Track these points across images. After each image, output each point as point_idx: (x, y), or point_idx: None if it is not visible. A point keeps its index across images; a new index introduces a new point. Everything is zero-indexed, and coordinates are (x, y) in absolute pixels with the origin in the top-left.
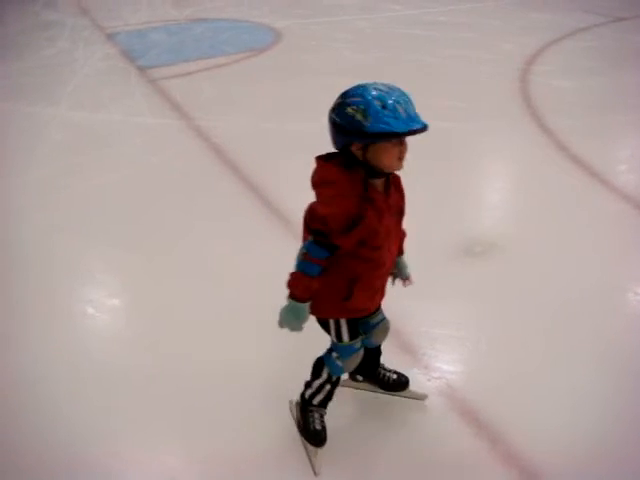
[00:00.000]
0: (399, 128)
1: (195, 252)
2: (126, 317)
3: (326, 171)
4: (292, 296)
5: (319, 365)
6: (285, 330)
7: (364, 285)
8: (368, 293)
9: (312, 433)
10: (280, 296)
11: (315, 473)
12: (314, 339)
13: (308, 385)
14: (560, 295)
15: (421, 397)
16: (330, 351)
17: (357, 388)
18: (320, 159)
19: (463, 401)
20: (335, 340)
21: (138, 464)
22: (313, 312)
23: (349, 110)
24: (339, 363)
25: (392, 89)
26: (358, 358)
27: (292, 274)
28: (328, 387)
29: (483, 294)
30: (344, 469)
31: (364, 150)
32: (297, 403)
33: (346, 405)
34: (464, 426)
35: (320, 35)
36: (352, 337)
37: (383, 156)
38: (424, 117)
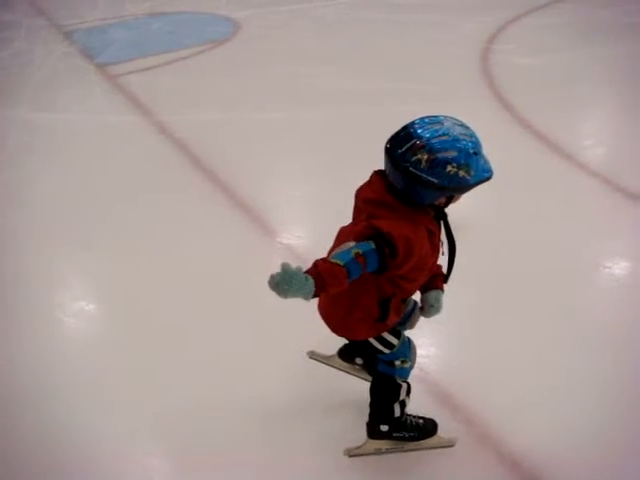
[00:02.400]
0: (490, 170)
1: (162, 251)
2: (94, 320)
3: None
4: (319, 282)
5: (390, 382)
6: (262, 332)
7: (395, 306)
8: (399, 309)
9: (426, 427)
10: (252, 294)
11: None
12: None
13: (389, 405)
14: (530, 273)
15: None
16: (391, 363)
17: (352, 374)
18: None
19: (437, 384)
20: (387, 351)
21: (114, 467)
22: (349, 336)
23: (450, 169)
24: (407, 365)
25: (463, 126)
26: (415, 349)
27: (334, 265)
28: (409, 390)
29: (453, 275)
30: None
31: (449, 198)
32: (384, 432)
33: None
34: (439, 409)
35: (280, 24)
36: (397, 336)
37: (458, 198)
38: (390, 101)
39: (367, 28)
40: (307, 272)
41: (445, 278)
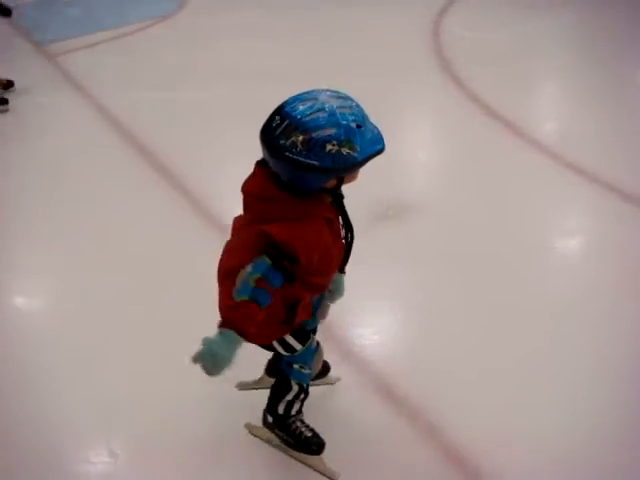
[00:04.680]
0: (381, 141)
1: (103, 239)
2: (44, 312)
3: (295, 208)
4: (236, 329)
5: (285, 380)
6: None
7: (305, 306)
8: (309, 309)
9: (307, 442)
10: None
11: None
12: None
13: (277, 400)
14: (480, 252)
15: (333, 381)
16: (289, 364)
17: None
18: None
19: (379, 375)
20: (287, 354)
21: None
22: (253, 341)
23: (331, 147)
24: (305, 371)
25: (342, 97)
26: (321, 355)
27: (238, 303)
28: (302, 396)
29: (398, 259)
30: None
31: (341, 179)
32: (269, 423)
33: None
34: (380, 401)
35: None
36: (303, 342)
37: (354, 176)
38: (340, 77)
39: (314, 4)
40: (221, 327)
41: (342, 265)
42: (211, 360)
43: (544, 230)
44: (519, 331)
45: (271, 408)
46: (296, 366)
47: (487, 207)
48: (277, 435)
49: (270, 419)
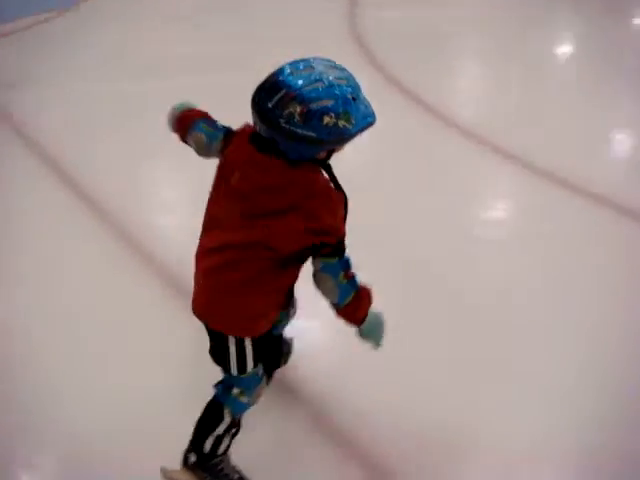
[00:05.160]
0: (373, 114)
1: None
2: None
3: (316, 179)
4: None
5: (217, 409)
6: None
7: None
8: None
9: None
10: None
11: None
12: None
13: (205, 435)
14: (402, 241)
15: None
16: (228, 389)
17: None
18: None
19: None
20: (236, 372)
21: None
22: (244, 334)
23: (328, 120)
24: (244, 400)
25: (337, 68)
26: (263, 390)
27: (352, 302)
28: (233, 430)
29: None
30: None
31: (331, 151)
32: (191, 464)
33: None
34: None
35: None
36: (256, 363)
37: (342, 148)
38: (259, 68)
39: None
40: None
41: None
42: (380, 329)
43: (466, 217)
44: (445, 320)
45: (196, 444)
46: (235, 391)
47: (408, 196)
48: (199, 477)
49: (193, 458)
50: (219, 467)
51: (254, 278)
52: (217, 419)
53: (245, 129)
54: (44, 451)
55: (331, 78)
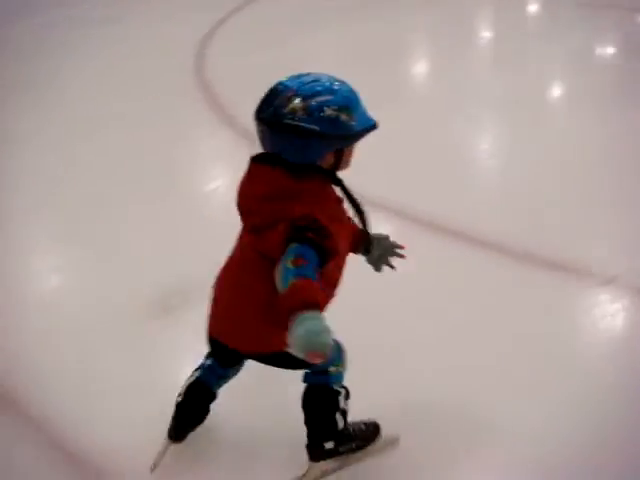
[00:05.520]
0: (375, 119)
1: None
2: None
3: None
4: (309, 305)
5: (326, 391)
6: None
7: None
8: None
9: (369, 430)
10: None
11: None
12: None
13: (331, 418)
14: None
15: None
16: (324, 372)
17: None
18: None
19: None
20: (334, 366)
21: None
22: (264, 349)
23: (330, 112)
24: (341, 369)
25: (333, 77)
26: (341, 343)
27: (294, 285)
28: (349, 396)
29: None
30: None
31: (338, 156)
32: (330, 450)
33: None
34: None
35: None
36: None
37: (351, 156)
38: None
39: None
40: (294, 316)
41: (367, 242)
42: (315, 340)
43: None
44: None
45: (327, 432)
46: (332, 369)
47: None
48: (342, 453)
49: (330, 444)
50: (351, 431)
51: (272, 292)
52: (334, 398)
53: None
54: None
55: (328, 79)
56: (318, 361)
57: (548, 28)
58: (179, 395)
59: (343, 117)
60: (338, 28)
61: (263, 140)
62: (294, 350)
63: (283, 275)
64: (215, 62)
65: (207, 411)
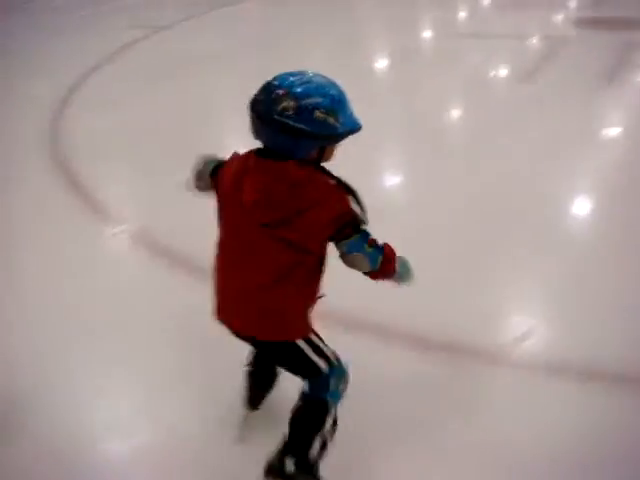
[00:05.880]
0: (360, 123)
1: None
2: None
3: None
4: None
5: (320, 406)
6: None
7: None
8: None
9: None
10: None
11: None
12: None
13: (310, 439)
14: None
15: None
16: (325, 384)
17: None
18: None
19: None
20: (323, 365)
21: None
22: (282, 337)
23: (318, 114)
24: (342, 387)
25: (325, 78)
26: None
27: (384, 258)
28: (335, 426)
29: None
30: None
31: (321, 152)
32: (290, 474)
33: None
34: None
35: None
36: (326, 354)
37: (333, 152)
38: None
39: None
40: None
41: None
42: (409, 271)
43: None
44: None
45: (300, 451)
46: (333, 381)
47: None
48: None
49: (290, 467)
50: (318, 472)
51: (291, 283)
52: (323, 414)
53: (233, 156)
54: None
55: (321, 80)
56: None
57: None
58: (248, 364)
59: (331, 120)
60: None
61: (257, 132)
62: (399, 282)
63: (371, 259)
64: (70, 125)
65: (276, 374)
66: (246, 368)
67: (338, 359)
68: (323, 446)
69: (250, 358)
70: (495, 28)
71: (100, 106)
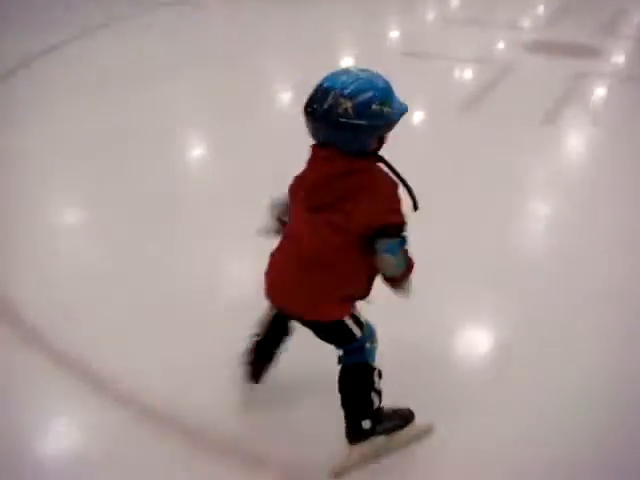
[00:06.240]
0: (405, 103)
1: None
2: None
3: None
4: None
5: (363, 368)
6: None
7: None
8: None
9: (402, 415)
10: None
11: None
12: None
13: (367, 397)
14: None
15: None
16: (360, 348)
17: None
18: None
19: None
20: (359, 333)
21: None
22: (323, 318)
23: (375, 108)
24: (375, 345)
25: (365, 69)
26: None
27: (407, 268)
28: (381, 376)
29: None
30: None
31: (380, 141)
32: (367, 430)
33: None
34: None
35: None
36: (361, 322)
37: (387, 139)
38: None
39: None
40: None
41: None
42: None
43: None
44: None
45: (365, 410)
46: (368, 345)
47: None
48: (379, 433)
49: (367, 423)
50: (385, 412)
51: (342, 266)
52: (369, 376)
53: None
54: None
55: (367, 75)
56: (405, 285)
57: None
58: (256, 335)
59: (386, 110)
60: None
61: (316, 133)
62: (403, 293)
63: (398, 265)
64: None
65: (280, 349)
66: (253, 339)
67: (366, 321)
68: (379, 395)
69: (260, 330)
70: (440, 48)
71: None
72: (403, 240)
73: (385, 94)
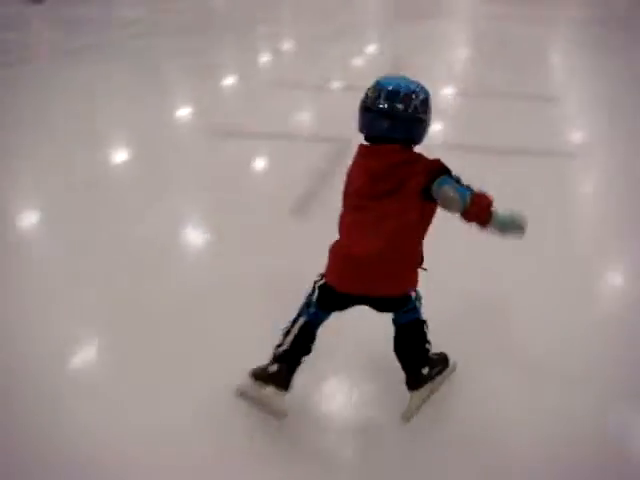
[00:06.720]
0: None
1: None
2: None
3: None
4: (492, 204)
5: (416, 325)
6: None
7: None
8: None
9: (443, 359)
10: None
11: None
12: None
13: (423, 346)
14: None
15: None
16: (414, 307)
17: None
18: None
19: None
20: (414, 295)
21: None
22: (400, 290)
23: (429, 104)
24: (422, 302)
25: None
26: None
27: (476, 195)
28: (427, 327)
29: None
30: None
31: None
32: (426, 375)
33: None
34: None
35: None
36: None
37: None
38: None
39: None
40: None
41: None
42: (512, 222)
43: None
44: None
45: (423, 359)
46: (418, 303)
47: None
48: (434, 376)
49: (425, 369)
50: (434, 357)
51: (403, 246)
52: (421, 329)
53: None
54: None
55: (410, 79)
56: (521, 236)
57: None
58: (288, 343)
59: (431, 106)
60: None
61: (372, 126)
62: (503, 232)
63: (460, 193)
64: None
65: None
66: (285, 347)
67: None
68: (430, 344)
69: (296, 332)
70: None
71: None
72: (455, 177)
73: (427, 92)
